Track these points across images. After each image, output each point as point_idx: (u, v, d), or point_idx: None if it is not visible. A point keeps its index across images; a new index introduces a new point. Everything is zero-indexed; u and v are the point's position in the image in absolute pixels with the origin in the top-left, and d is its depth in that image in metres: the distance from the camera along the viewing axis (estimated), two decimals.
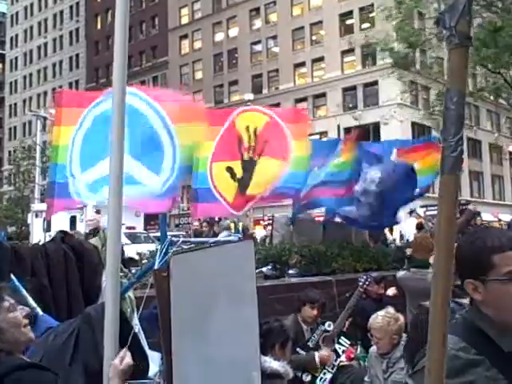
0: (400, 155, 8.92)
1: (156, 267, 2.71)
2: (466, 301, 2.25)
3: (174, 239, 2.81)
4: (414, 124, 47.24)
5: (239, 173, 6.31)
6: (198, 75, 64.15)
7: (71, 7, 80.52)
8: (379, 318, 5.44)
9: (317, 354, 6.36)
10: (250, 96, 44.38)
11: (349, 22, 51.90)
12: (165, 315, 2.61)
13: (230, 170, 6.30)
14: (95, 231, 7.87)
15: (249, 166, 6.33)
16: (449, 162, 1.36)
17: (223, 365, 3.23)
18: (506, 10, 11.25)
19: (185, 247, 2.80)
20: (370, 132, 47.19)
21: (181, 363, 2.73)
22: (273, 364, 5.04)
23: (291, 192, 6.53)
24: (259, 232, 35.40)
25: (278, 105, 55.63)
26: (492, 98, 14.35)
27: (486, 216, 27.07)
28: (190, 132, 5.90)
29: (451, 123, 1.36)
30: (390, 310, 5.64)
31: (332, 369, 6.38)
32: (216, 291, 3.12)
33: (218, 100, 60.76)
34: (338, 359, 6.48)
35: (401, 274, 7.44)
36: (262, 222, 38.43)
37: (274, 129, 6.59)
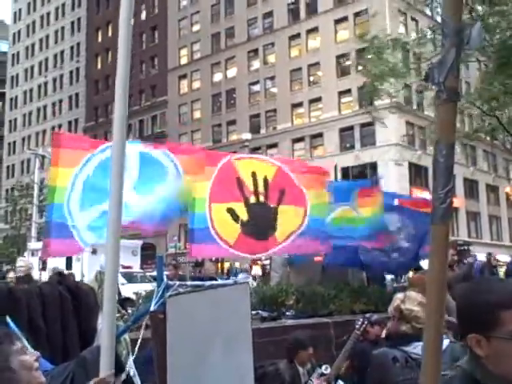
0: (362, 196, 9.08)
1: (152, 309, 2.71)
2: None
3: (171, 282, 2.82)
4: (410, 164, 47.48)
5: (243, 215, 6.36)
6: (197, 114, 64.65)
7: (72, 47, 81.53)
8: None
9: None
10: (247, 136, 44.62)
11: (345, 64, 52.59)
12: (161, 358, 2.60)
13: (231, 211, 6.34)
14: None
15: (261, 211, 6.40)
16: (438, 213, 1.39)
17: None
18: (497, 53, 11.45)
19: (181, 290, 2.81)
20: (367, 172, 47.43)
21: None
22: None
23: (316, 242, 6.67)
24: (257, 271, 35.27)
25: (275, 145, 56.05)
26: (488, 139, 14.47)
27: (482, 256, 26.91)
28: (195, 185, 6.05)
29: (440, 175, 1.39)
30: None
31: None
32: (211, 334, 3.12)
33: (216, 139, 61.13)
34: None
35: None
36: (259, 261, 38.28)
37: (286, 178, 6.71)
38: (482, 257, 26.52)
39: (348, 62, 49.40)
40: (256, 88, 59.83)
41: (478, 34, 1.32)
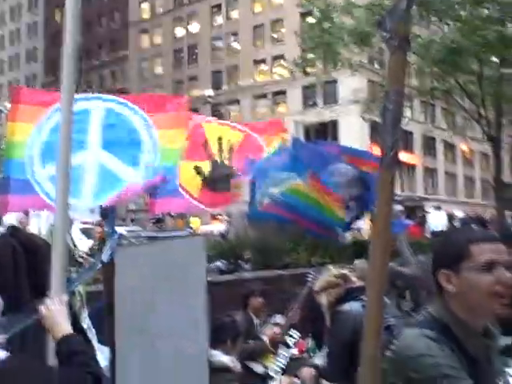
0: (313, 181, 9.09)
1: (104, 260, 2.70)
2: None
3: (124, 233, 2.80)
4: (371, 122, 47.74)
5: (206, 170, 6.41)
6: (158, 70, 63.60)
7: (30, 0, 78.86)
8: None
9: (265, 337, 6.44)
10: (209, 92, 44.19)
11: (310, 21, 52.07)
12: (110, 307, 2.60)
13: (197, 168, 6.40)
14: None
15: (224, 169, 6.44)
16: (387, 160, 1.40)
17: (170, 359, 3.24)
18: (453, 18, 11.52)
19: (135, 242, 2.79)
20: (328, 130, 47.63)
21: (124, 356, 2.74)
22: (222, 358, 5.11)
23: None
24: (218, 227, 35.35)
25: (237, 101, 55.67)
26: (443, 97, 14.64)
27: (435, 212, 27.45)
28: (171, 137, 5.97)
29: (389, 123, 1.40)
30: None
31: (283, 359, 6.45)
32: (165, 285, 3.14)
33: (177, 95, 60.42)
34: (290, 351, 6.55)
35: (358, 262, 7.57)
36: (219, 216, 38.39)
37: (253, 145, 6.76)
38: (435, 213, 27.03)
39: (312, 20, 48.94)
40: (218, 44, 59.05)
41: None
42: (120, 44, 66.61)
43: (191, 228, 16.17)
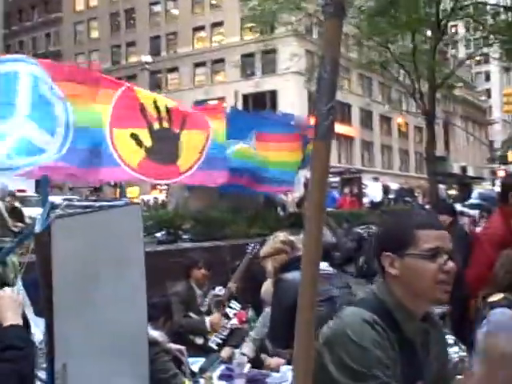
0: (261, 140, 9.11)
1: (37, 231, 2.63)
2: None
3: (57, 202, 2.73)
4: (310, 93, 48.03)
5: (147, 141, 6.26)
6: (94, 34, 61.88)
7: None
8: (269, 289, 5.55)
9: (207, 319, 6.45)
10: (147, 58, 43.40)
11: None
12: (46, 280, 2.55)
13: (134, 136, 6.23)
14: None
15: (165, 136, 6.31)
16: (321, 130, 1.40)
17: (109, 331, 3.20)
18: None
19: (70, 211, 2.72)
20: (266, 100, 47.63)
21: (62, 329, 2.69)
22: (152, 333, 5.12)
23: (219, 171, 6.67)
24: (153, 196, 35.06)
25: (176, 69, 54.93)
26: (381, 70, 14.88)
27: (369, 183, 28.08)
28: (83, 96, 5.80)
29: (324, 91, 1.39)
30: None
31: (224, 331, 6.50)
32: (101, 257, 3.07)
33: (114, 60, 59.04)
34: (230, 322, 6.60)
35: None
36: (158, 186, 38.09)
37: (185, 108, 6.67)
38: (369, 184, 27.63)
39: None
40: (157, 8, 57.88)
41: None
42: (54, 5, 64.24)
43: (127, 197, 15.91)
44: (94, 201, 3.36)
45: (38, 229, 2.61)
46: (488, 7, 12.62)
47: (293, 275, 4.23)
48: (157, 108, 6.44)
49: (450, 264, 2.07)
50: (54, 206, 2.67)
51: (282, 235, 4.68)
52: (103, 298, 3.14)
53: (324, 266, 4.35)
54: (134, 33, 58.56)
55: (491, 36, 12.89)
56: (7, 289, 2.59)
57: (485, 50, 13.88)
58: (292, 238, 4.58)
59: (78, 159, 5.62)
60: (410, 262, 2.09)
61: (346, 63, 16.60)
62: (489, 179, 51.21)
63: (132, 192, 39.82)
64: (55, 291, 2.61)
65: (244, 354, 5.50)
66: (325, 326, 2.15)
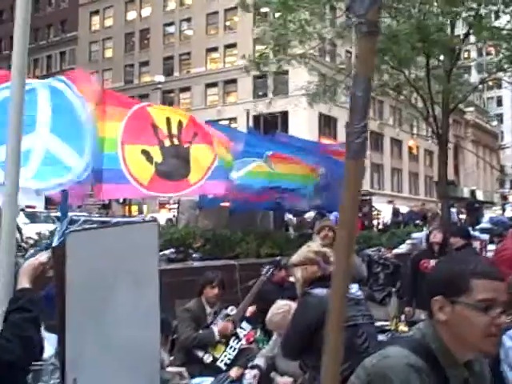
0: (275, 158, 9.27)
1: (54, 245, 2.63)
2: None
3: (75, 218, 2.73)
4: (320, 114, 48.18)
5: (157, 157, 6.31)
6: (108, 53, 62.50)
7: None
8: (275, 317, 5.51)
9: (215, 328, 6.43)
10: (160, 78, 43.78)
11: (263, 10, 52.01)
12: (61, 294, 2.54)
13: (145, 153, 6.29)
14: None
15: (175, 153, 6.36)
16: (353, 148, 1.39)
17: (121, 347, 3.18)
18: (401, 14, 11.69)
19: (86, 226, 2.73)
20: (278, 121, 47.78)
21: (74, 344, 2.67)
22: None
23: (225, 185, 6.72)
24: (164, 215, 35.17)
25: (188, 88, 55.28)
26: (393, 93, 14.88)
27: (383, 206, 28.15)
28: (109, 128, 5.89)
29: (357, 110, 1.38)
30: (280, 303, 5.71)
31: (233, 351, 6.46)
32: (116, 272, 3.06)
33: (127, 80, 59.53)
34: (240, 343, 6.57)
35: None
36: (167, 205, 38.16)
37: (198, 124, 6.75)
38: (382, 206, 27.69)
39: (266, 9, 48.91)
40: (171, 29, 58.44)
41: None
42: (70, 25, 65.06)
43: (143, 214, 16.02)
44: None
45: (55, 242, 2.61)
46: (504, 32, 12.66)
47: (322, 292, 4.17)
48: (168, 125, 6.51)
49: (503, 318, 2.01)
50: (72, 221, 2.68)
51: (315, 245, 4.60)
52: (117, 314, 3.13)
53: (354, 289, 4.28)
54: (147, 53, 59.12)
55: (504, 60, 12.90)
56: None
57: (499, 74, 13.89)
58: (325, 249, 4.48)
59: (94, 179, 5.68)
60: (462, 311, 2.03)
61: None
62: (499, 204, 51.03)
63: (136, 210, 39.89)
64: (68, 305, 2.60)
65: (256, 366, 5.45)
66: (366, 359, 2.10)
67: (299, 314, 4.32)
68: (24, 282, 2.58)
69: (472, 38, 12.93)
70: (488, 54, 16.50)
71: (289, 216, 14.38)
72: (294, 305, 5.34)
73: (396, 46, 11.13)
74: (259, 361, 5.60)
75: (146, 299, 3.42)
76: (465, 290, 2.02)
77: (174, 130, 6.60)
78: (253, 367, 5.59)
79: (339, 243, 1.47)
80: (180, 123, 6.66)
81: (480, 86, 15.90)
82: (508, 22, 12.08)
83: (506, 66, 13.19)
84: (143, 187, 6.20)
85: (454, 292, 2.04)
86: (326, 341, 1.61)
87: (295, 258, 4.48)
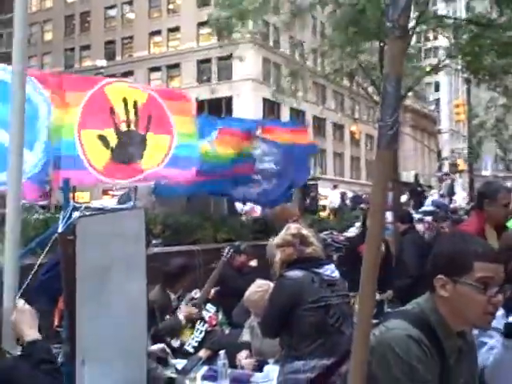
0: (266, 132, 9.26)
1: (60, 231, 2.70)
2: None
3: (77, 205, 2.80)
4: (265, 100, 48.36)
5: (113, 142, 6.26)
6: (48, 36, 60.76)
7: None
8: (253, 295, 5.64)
9: (181, 316, 6.52)
10: (102, 62, 42.97)
11: None
12: (69, 277, 2.62)
13: (102, 138, 6.22)
14: None
15: (130, 138, 6.31)
16: (386, 139, 1.54)
17: (116, 333, 3.27)
18: None
19: (86, 213, 2.80)
20: (222, 106, 47.72)
21: (84, 328, 2.76)
22: None
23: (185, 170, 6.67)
24: (108, 201, 34.55)
25: (131, 73, 54.45)
26: (347, 80, 15.09)
27: (327, 190, 28.56)
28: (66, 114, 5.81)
29: (389, 104, 1.53)
30: (259, 282, 5.85)
31: (200, 334, 6.57)
32: (113, 259, 3.15)
33: (68, 64, 58.11)
34: (206, 325, 6.68)
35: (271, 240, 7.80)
36: (110, 191, 37.57)
37: (156, 105, 6.63)
38: (327, 191, 28.11)
39: None
40: (112, 12, 57.28)
41: None
42: (6, 6, 62.84)
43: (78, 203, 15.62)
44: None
45: (60, 229, 2.68)
46: (450, 21, 13.05)
47: (296, 274, 4.34)
48: (126, 108, 6.46)
49: (499, 297, 2.22)
50: (74, 208, 2.75)
51: (294, 227, 4.67)
52: (115, 299, 3.22)
53: (330, 271, 4.45)
54: (88, 36, 57.86)
55: (453, 47, 13.30)
56: (21, 301, 2.65)
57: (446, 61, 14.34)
58: (306, 232, 4.62)
59: (52, 167, 5.62)
60: (462, 289, 2.23)
61: (304, 72, 16.78)
62: (437, 187, 52.44)
63: (82, 197, 39.11)
64: (78, 289, 2.68)
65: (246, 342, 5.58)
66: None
67: (275, 296, 4.49)
68: (32, 334, 2.57)
69: (422, 27, 13.32)
70: (435, 38, 17.02)
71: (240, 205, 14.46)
72: (272, 284, 5.52)
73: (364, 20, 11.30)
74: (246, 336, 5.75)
75: (135, 284, 3.52)
76: (467, 270, 2.22)
77: (132, 115, 6.56)
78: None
79: (371, 224, 1.62)
80: (136, 106, 6.59)
81: (419, 72, 16.37)
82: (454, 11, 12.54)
83: (453, 54, 13.61)
84: (99, 173, 6.17)
85: (457, 272, 2.24)
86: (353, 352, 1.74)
87: (276, 240, 4.61)
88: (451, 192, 24.92)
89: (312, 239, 4.55)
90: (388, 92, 1.53)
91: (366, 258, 1.61)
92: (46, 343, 2.59)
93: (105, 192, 39.96)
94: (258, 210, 14.89)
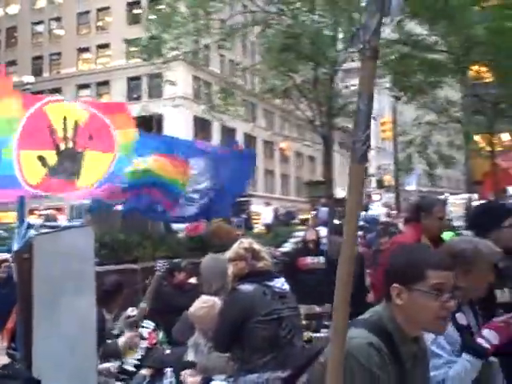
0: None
1: (16, 249, 2.65)
2: None
3: (32, 222, 2.76)
4: (196, 118, 48.38)
5: (52, 161, 6.17)
6: None
7: None
8: (198, 310, 5.61)
9: (120, 340, 6.42)
10: (29, 78, 41.93)
11: (136, 11, 51.37)
12: (25, 295, 2.58)
13: (41, 159, 6.13)
14: None
15: (69, 156, 6.22)
16: (359, 153, 1.62)
17: (66, 347, 3.24)
18: (296, 18, 12.10)
19: (46, 230, 2.77)
20: (153, 124, 47.39)
21: (37, 343, 2.73)
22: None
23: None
24: (35, 221, 33.51)
25: (59, 90, 53.38)
26: (280, 98, 15.30)
27: (259, 207, 28.75)
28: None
29: (362, 121, 1.62)
30: (204, 297, 5.84)
31: (139, 351, 6.50)
32: (65, 273, 3.13)
33: None
34: (145, 342, 6.61)
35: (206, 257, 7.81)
36: (36, 211, 36.57)
37: (99, 123, 6.55)
38: (259, 208, 28.31)
39: (139, 10, 48.35)
40: (39, 28, 56.10)
41: (398, 3, 1.56)
42: None
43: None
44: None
45: (16, 246, 2.64)
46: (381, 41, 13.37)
47: (247, 288, 4.37)
48: (64, 127, 6.38)
49: (451, 303, 2.36)
50: (29, 226, 2.72)
51: (247, 242, 4.69)
52: (63, 318, 3.19)
53: (280, 283, 4.50)
54: (14, 52, 56.42)
55: (383, 67, 13.73)
56: None
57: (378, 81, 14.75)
58: (258, 246, 4.65)
59: None
60: (417, 297, 2.35)
61: (235, 89, 16.87)
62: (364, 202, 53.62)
63: (7, 217, 37.80)
64: (36, 303, 2.65)
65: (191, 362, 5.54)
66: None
67: (227, 310, 4.52)
68: None
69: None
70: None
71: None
72: (217, 300, 5.52)
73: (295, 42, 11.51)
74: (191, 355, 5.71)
75: (84, 302, 3.49)
76: (421, 278, 2.35)
77: (70, 132, 6.48)
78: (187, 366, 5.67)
79: (346, 241, 1.70)
80: (76, 125, 6.52)
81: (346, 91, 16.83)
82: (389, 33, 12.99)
83: (382, 72, 14.04)
84: (35, 187, 6.07)
85: (411, 280, 2.36)
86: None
87: (228, 253, 4.64)
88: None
89: (263, 254, 4.60)
90: (361, 109, 1.61)
91: (340, 265, 1.68)
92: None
93: (31, 212, 38.83)
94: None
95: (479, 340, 2.87)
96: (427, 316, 2.35)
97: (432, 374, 2.72)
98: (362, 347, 2.27)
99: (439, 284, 2.34)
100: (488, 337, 2.87)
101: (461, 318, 3.00)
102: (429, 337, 2.70)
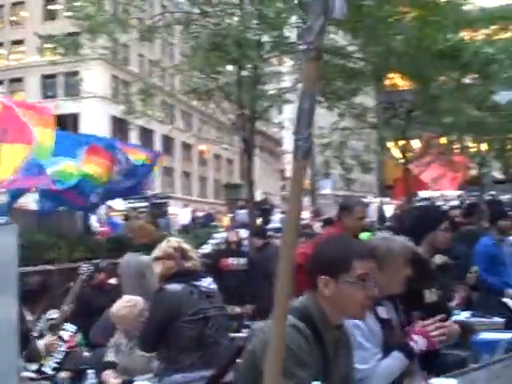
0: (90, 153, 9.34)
1: None
2: None
3: None
4: (113, 118, 47.52)
5: None
6: None
7: None
8: (121, 310, 5.54)
9: (41, 342, 6.29)
10: None
11: (53, 7, 49.89)
12: None
13: None
14: None
15: None
16: (302, 151, 1.67)
17: None
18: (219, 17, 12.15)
19: None
20: (67, 123, 46.20)
21: None
22: None
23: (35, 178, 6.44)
24: None
25: None
26: (203, 100, 15.28)
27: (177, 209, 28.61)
28: None
29: (304, 118, 1.68)
30: (127, 297, 5.79)
31: (58, 354, 6.38)
32: None
33: None
34: (65, 345, 6.49)
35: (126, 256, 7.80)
36: None
37: (11, 115, 6.39)
38: (176, 210, 28.17)
39: (57, 6, 46.98)
40: None
41: (341, 5, 1.62)
42: None
43: None
44: None
45: None
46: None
47: (174, 288, 4.36)
48: None
49: (374, 291, 2.49)
50: None
51: (175, 240, 4.70)
52: None
53: (207, 282, 4.51)
54: None
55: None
56: None
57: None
58: (186, 246, 4.64)
59: None
60: (344, 287, 2.45)
61: (154, 90, 16.63)
62: (281, 206, 54.31)
63: None
64: None
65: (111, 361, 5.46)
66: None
67: (153, 309, 4.50)
68: None
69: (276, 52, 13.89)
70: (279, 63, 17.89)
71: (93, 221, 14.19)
72: (139, 299, 5.47)
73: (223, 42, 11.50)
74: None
75: (5, 303, 3.37)
76: (347, 269, 2.46)
77: None
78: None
79: (286, 233, 1.74)
80: None
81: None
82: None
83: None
84: None
85: (338, 271, 2.46)
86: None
87: (156, 252, 4.62)
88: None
89: (191, 253, 4.61)
90: (304, 108, 1.67)
91: (281, 259, 1.72)
92: None
93: None
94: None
95: (411, 342, 3.01)
96: (354, 305, 2.46)
97: (360, 367, 2.82)
98: (291, 333, 2.33)
99: (364, 274, 2.46)
100: (419, 342, 3.00)
101: (381, 312, 3.13)
102: (349, 323, 2.80)
